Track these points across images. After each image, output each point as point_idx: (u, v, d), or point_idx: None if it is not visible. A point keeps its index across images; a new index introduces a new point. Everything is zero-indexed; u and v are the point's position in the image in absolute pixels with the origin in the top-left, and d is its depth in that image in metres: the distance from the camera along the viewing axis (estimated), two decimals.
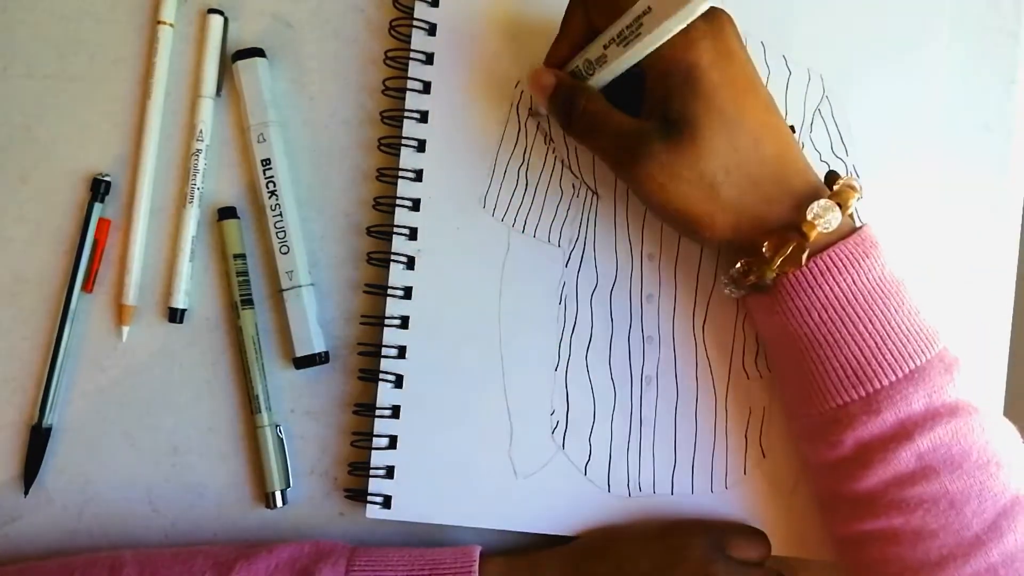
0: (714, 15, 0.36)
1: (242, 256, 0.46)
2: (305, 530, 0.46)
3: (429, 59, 0.45)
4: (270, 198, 0.45)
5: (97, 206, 0.46)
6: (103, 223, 0.46)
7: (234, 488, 0.46)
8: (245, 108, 0.46)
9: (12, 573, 0.43)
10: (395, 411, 0.44)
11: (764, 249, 0.37)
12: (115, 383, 0.46)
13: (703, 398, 0.44)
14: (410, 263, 0.45)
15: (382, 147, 0.46)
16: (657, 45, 0.36)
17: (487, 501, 0.44)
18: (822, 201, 0.37)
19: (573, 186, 0.45)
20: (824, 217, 0.36)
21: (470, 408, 0.44)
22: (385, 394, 0.44)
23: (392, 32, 0.46)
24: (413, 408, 0.44)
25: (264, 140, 0.45)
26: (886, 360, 0.36)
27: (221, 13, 0.46)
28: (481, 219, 0.45)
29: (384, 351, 0.44)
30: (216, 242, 0.46)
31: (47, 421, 0.45)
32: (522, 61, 0.45)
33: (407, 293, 0.45)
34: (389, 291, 0.45)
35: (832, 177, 0.39)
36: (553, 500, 0.44)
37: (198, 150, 0.46)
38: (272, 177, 0.45)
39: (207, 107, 0.46)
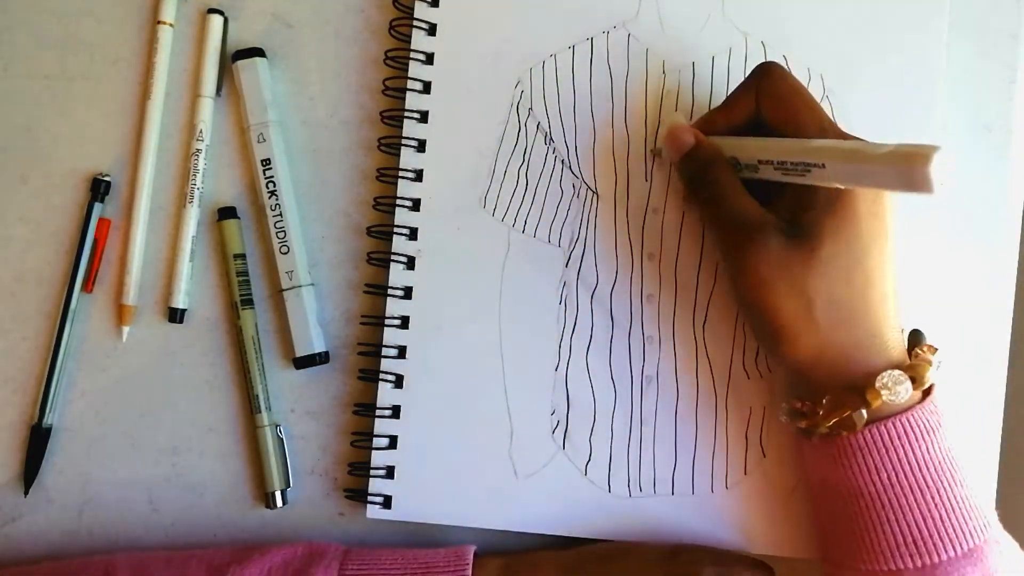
0: None
1: (242, 256, 0.46)
2: (305, 530, 0.46)
3: (429, 59, 0.45)
4: (270, 198, 0.45)
5: (97, 206, 0.46)
6: (103, 223, 0.46)
7: (234, 488, 0.46)
8: (245, 108, 0.46)
9: None
10: (395, 411, 0.44)
11: (824, 403, 0.37)
12: (115, 383, 0.46)
13: (703, 398, 0.44)
14: (410, 263, 0.45)
15: (382, 147, 0.46)
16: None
17: (487, 501, 0.44)
18: (894, 373, 0.36)
19: (573, 186, 0.45)
20: (892, 389, 0.36)
21: (470, 408, 0.44)
22: (385, 394, 0.44)
23: (392, 32, 0.46)
24: (413, 408, 0.44)
25: (264, 140, 0.45)
26: (948, 534, 0.36)
27: (221, 13, 0.46)
28: (481, 219, 0.45)
29: (384, 351, 0.44)
30: (216, 242, 0.46)
31: (47, 421, 0.45)
32: (522, 61, 0.45)
33: (407, 293, 0.45)
34: (389, 291, 0.45)
35: (914, 338, 0.39)
36: (553, 500, 0.44)
37: (198, 150, 0.46)
38: (272, 177, 0.45)
39: (207, 107, 0.46)
